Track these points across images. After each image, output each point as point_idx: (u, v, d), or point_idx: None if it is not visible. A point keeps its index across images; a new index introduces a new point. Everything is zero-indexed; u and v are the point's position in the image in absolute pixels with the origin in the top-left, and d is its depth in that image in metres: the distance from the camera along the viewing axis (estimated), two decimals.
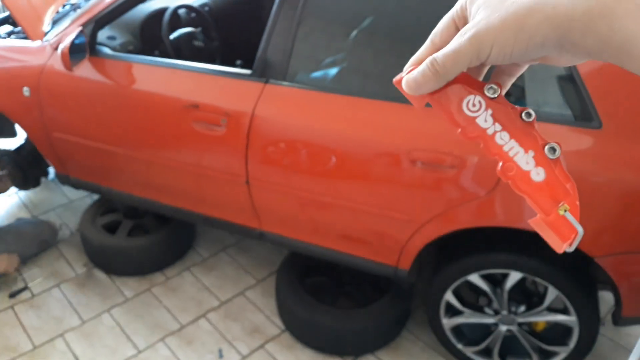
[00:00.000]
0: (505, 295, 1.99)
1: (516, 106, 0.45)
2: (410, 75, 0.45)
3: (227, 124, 2.04)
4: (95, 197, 3.08)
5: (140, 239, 2.67)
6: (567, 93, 1.65)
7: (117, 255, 2.66)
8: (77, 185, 2.74)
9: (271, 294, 2.59)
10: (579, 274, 1.90)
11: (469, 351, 2.18)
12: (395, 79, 0.47)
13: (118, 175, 2.55)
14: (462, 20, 0.45)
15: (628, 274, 1.74)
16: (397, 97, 1.84)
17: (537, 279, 1.90)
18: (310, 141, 1.96)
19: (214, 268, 2.78)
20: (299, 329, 2.35)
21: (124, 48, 2.46)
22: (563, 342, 2.01)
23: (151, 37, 2.60)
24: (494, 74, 0.49)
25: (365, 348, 2.31)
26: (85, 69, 2.29)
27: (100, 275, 2.70)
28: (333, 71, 2.03)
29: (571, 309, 1.89)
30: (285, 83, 1.98)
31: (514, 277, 1.92)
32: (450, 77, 0.44)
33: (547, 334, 2.10)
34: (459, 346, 2.18)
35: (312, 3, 1.96)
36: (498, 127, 0.44)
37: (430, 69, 0.43)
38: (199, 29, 2.71)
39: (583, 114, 1.61)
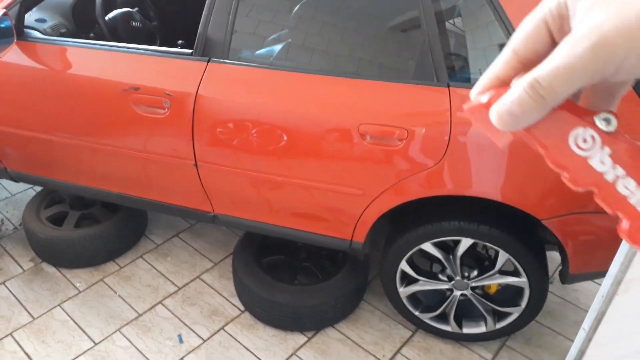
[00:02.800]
0: (458, 262, 2.04)
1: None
2: (502, 107, 0.34)
3: (171, 105, 1.97)
4: (39, 189, 2.95)
5: (88, 229, 2.58)
6: None
7: (65, 248, 2.56)
8: (16, 178, 2.61)
9: (228, 276, 2.56)
10: (527, 237, 1.96)
11: (425, 317, 2.23)
12: (468, 106, 0.37)
13: (60, 165, 2.44)
14: (559, 22, 0.34)
15: (573, 233, 1.81)
16: (343, 71, 1.83)
17: (488, 244, 1.95)
18: (258, 120, 1.92)
19: (168, 254, 2.73)
20: (259, 309, 2.34)
21: (55, 31, 2.33)
22: (515, 302, 2.08)
23: (85, 19, 2.47)
24: (587, 94, 0.38)
25: (325, 322, 2.33)
26: (13, 55, 2.16)
27: (49, 269, 2.61)
28: (277, 47, 1.99)
29: (521, 271, 1.96)
30: (228, 61, 1.92)
31: (466, 243, 1.96)
32: (557, 103, 0.33)
33: (500, 296, 2.17)
34: (416, 313, 2.23)
35: None
36: (620, 171, 0.34)
37: (531, 95, 0.33)
38: (135, 9, 2.59)
39: None
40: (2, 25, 2.07)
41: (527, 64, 0.36)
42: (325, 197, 2.00)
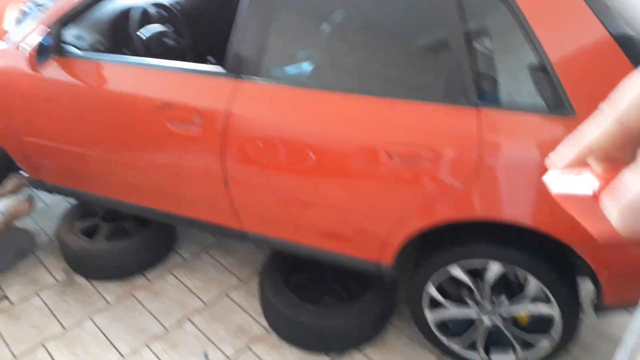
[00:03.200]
0: (487, 287, 1.98)
1: None
2: (630, 202, 0.26)
3: (202, 122, 2.00)
4: (73, 200, 3.02)
5: (119, 242, 2.62)
6: (538, 82, 1.63)
7: (97, 260, 2.61)
8: (52, 190, 2.68)
9: (255, 294, 2.56)
10: (559, 262, 1.90)
11: (453, 344, 2.17)
12: (560, 193, 0.32)
13: (94, 178, 2.50)
14: None
15: (607, 262, 1.74)
16: (372, 90, 1.82)
17: (517, 270, 1.89)
18: (286, 138, 1.93)
19: (196, 269, 2.75)
20: (284, 328, 2.33)
21: (92, 48, 2.40)
22: (546, 331, 2.01)
23: (121, 36, 2.53)
24: None
25: (350, 344, 2.30)
26: (53, 70, 2.23)
27: (80, 281, 2.66)
28: (307, 65, 2.00)
29: (552, 299, 1.89)
30: (259, 79, 1.94)
31: (494, 268, 1.91)
32: None
33: (531, 326, 2.10)
34: (444, 340, 2.17)
35: None
36: None
37: None
38: (169, 27, 2.64)
39: (556, 102, 1.59)
40: (44, 42, 2.14)
41: (637, 139, 0.29)
42: (352, 217, 1.98)
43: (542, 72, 1.61)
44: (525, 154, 1.65)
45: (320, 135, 1.88)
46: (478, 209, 1.76)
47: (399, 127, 1.77)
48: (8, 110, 2.39)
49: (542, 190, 1.67)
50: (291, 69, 2.00)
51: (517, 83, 1.71)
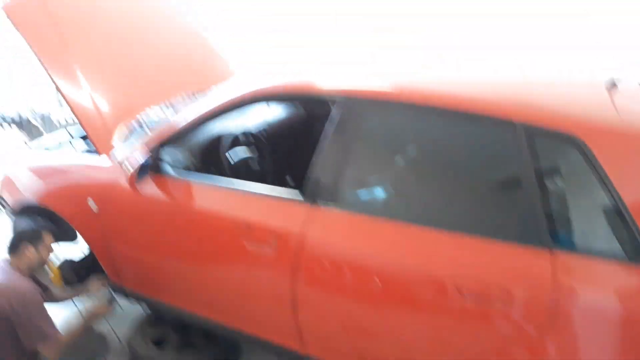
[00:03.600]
0: None
1: None
2: None
3: (277, 244, 2.09)
4: (147, 308, 3.13)
5: (188, 356, 2.66)
6: (614, 226, 1.61)
7: None
8: (129, 296, 2.82)
9: None
10: None
11: None
12: None
13: (169, 288, 2.62)
14: None
15: None
16: (442, 224, 1.85)
17: None
18: (357, 264, 1.97)
19: None
20: None
21: (185, 168, 2.63)
22: None
23: (211, 158, 2.77)
24: None
25: None
26: (147, 186, 2.46)
27: None
28: (381, 196, 2.08)
29: None
30: (333, 206, 2.03)
31: None
32: None
33: None
34: None
35: (361, 129, 2.07)
36: None
37: None
38: (255, 155, 2.87)
39: (634, 249, 1.55)
40: (143, 160, 2.39)
41: None
42: (418, 354, 1.93)
43: (618, 216, 1.59)
44: (602, 303, 1.59)
45: (389, 264, 1.91)
46: (553, 358, 1.67)
47: (470, 263, 1.77)
48: (104, 219, 2.62)
49: (624, 344, 1.57)
50: (366, 198, 2.09)
51: (592, 226, 1.69)
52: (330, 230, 2.04)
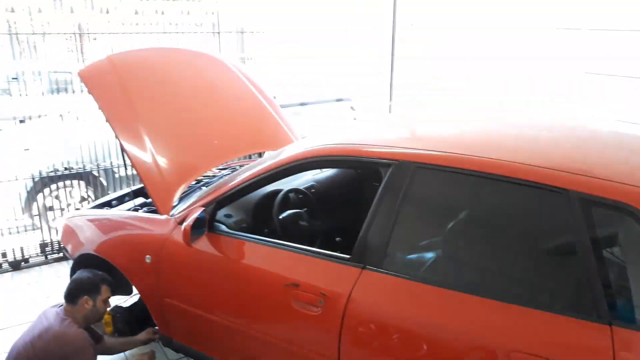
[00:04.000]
0: None
1: None
2: None
3: (324, 304, 2.11)
4: None
5: None
6: None
7: None
8: (177, 349, 2.87)
9: None
10: None
11: None
12: None
13: (216, 343, 2.66)
14: None
15: None
16: (494, 292, 1.83)
17: None
18: (405, 329, 1.96)
19: None
20: None
21: (237, 225, 2.71)
22: None
23: (263, 216, 2.85)
24: None
25: None
26: (202, 244, 2.54)
27: None
28: (430, 262, 2.08)
29: None
30: (382, 270, 2.05)
31: None
32: None
33: None
34: None
35: (414, 193, 2.10)
36: None
37: None
38: (304, 210, 2.93)
39: None
40: (199, 218, 2.48)
41: None
42: None
43: None
44: None
45: (437, 329, 1.89)
46: None
47: (524, 335, 1.73)
48: (158, 272, 2.71)
49: None
50: (415, 264, 2.10)
51: None
52: (378, 294, 2.04)
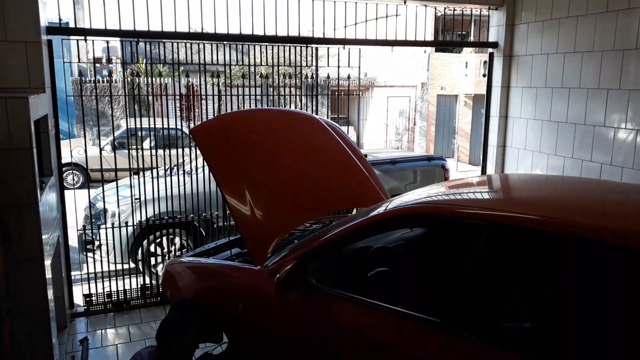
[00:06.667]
0: None
1: None
2: None
3: None
4: None
5: None
6: None
7: None
8: None
9: None
10: None
11: None
12: None
13: None
14: None
15: None
16: None
17: None
18: None
19: None
20: None
21: (327, 279, 2.75)
22: None
23: (353, 273, 2.88)
24: None
25: None
26: (292, 296, 2.61)
27: None
28: (529, 331, 1.98)
29: None
30: (473, 336, 1.97)
31: None
32: None
33: None
34: None
35: (508, 257, 2.07)
36: None
37: None
38: (395, 270, 2.92)
39: None
40: (289, 272, 2.55)
41: None
42: None
43: None
44: None
45: None
46: None
47: None
48: (248, 322, 2.79)
49: None
50: (510, 332, 2.00)
51: None
52: None
